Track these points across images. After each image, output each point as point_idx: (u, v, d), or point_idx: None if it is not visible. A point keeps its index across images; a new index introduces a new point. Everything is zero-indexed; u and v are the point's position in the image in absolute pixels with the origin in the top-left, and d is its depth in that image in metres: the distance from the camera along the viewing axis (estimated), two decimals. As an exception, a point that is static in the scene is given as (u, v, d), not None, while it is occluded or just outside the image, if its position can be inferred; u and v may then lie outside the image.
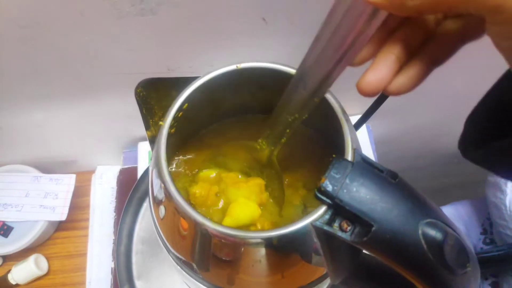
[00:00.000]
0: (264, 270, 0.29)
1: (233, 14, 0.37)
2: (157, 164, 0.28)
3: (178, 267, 0.35)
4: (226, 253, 0.28)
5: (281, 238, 0.25)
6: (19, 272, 0.57)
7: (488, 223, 0.74)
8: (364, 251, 0.25)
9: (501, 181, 0.65)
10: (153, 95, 0.34)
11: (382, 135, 0.62)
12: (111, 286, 0.54)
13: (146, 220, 0.53)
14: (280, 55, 0.31)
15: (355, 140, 0.27)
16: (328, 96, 0.29)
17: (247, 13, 0.37)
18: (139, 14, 0.36)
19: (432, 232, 0.23)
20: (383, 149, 0.62)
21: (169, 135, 0.29)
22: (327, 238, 0.26)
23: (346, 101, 0.31)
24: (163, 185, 0.27)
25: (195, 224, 0.26)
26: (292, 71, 0.30)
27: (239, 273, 0.29)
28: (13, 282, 0.57)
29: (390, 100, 0.36)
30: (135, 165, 0.58)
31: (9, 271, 0.57)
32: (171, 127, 0.30)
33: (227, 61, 0.31)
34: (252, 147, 0.35)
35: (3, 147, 0.58)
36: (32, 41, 0.39)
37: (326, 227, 0.25)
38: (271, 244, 0.26)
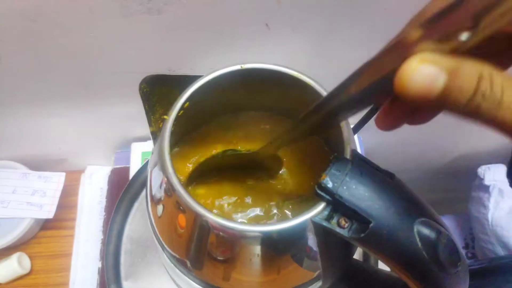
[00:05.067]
0: (261, 266, 0.29)
1: (238, 18, 0.39)
2: (161, 157, 0.28)
3: (172, 265, 0.36)
4: (224, 248, 0.28)
5: (281, 232, 0.26)
6: (1, 271, 0.56)
7: (470, 237, 0.75)
8: (360, 248, 0.26)
9: (484, 196, 0.67)
10: (156, 92, 0.34)
11: (373, 147, 0.63)
12: (97, 286, 0.53)
13: (136, 221, 0.52)
14: (280, 60, 0.32)
15: (353, 141, 0.28)
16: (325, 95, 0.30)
17: (252, 18, 0.39)
18: (146, 13, 0.37)
19: (427, 231, 0.24)
20: (373, 160, 0.63)
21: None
22: (324, 235, 0.26)
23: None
24: (165, 178, 0.28)
25: (196, 216, 0.26)
26: (294, 73, 0.31)
27: (235, 269, 0.30)
28: (-6, 281, 0.56)
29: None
30: (127, 166, 0.58)
31: (-10, 269, 0.56)
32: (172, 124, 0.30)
33: (228, 64, 0.32)
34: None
35: (-6, 141, 0.58)
36: (38, 35, 0.39)
37: (325, 223, 0.25)
38: (270, 238, 0.26)
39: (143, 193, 0.54)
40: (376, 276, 0.40)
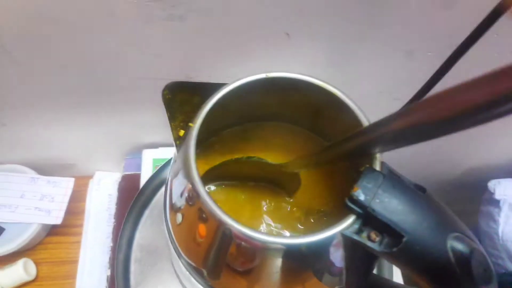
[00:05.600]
0: (285, 280, 0.28)
1: (259, 27, 0.38)
2: (186, 164, 0.27)
3: (188, 273, 0.35)
4: (249, 259, 0.27)
5: (310, 245, 0.25)
6: (6, 276, 0.55)
7: (479, 252, 0.75)
8: (389, 262, 0.26)
9: (494, 210, 0.66)
10: (177, 98, 0.34)
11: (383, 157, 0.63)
12: (105, 295, 0.52)
13: (146, 228, 0.52)
14: (298, 69, 0.32)
15: (382, 153, 0.28)
16: (353, 107, 0.30)
17: (272, 27, 0.38)
18: (168, 19, 0.36)
19: (460, 246, 0.24)
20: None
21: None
22: (352, 249, 0.26)
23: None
24: (190, 185, 0.27)
25: (219, 225, 0.26)
26: (320, 83, 0.31)
27: (258, 281, 0.29)
28: (-2, 287, 0.55)
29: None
30: (137, 172, 0.58)
31: (-6, 274, 0.55)
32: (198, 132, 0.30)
33: (246, 73, 0.32)
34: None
35: (3, 145, 0.57)
36: (56, 38, 0.39)
37: (355, 237, 0.25)
38: (298, 251, 0.26)
39: (154, 200, 0.53)
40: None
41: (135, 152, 0.61)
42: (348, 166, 0.38)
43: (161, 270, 0.49)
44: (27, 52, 0.41)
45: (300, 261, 0.27)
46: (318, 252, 0.26)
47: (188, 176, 0.27)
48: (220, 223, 0.26)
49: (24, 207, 0.57)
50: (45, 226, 0.58)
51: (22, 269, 0.55)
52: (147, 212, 0.52)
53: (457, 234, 0.24)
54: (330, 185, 0.38)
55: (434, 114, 0.19)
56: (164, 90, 0.32)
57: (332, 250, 0.27)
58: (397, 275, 0.48)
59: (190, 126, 0.29)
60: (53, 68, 0.44)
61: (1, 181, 0.58)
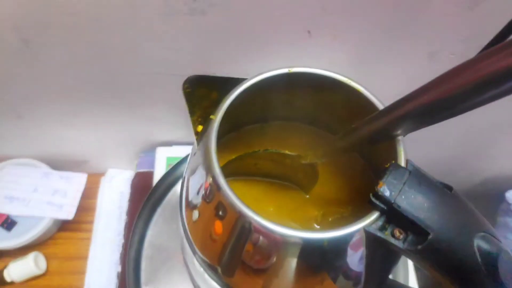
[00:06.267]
0: (298, 279, 0.28)
1: (281, 23, 0.38)
2: (206, 157, 0.27)
3: (201, 270, 0.34)
4: (265, 255, 0.27)
5: (332, 241, 0.24)
6: (16, 269, 0.55)
7: (493, 263, 0.73)
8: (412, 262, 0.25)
9: (511, 221, 0.65)
10: (196, 93, 0.34)
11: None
12: (115, 291, 0.52)
13: (158, 227, 0.51)
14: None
15: (407, 150, 0.27)
16: (377, 103, 0.30)
17: (294, 23, 0.38)
18: (189, 13, 0.36)
19: (487, 246, 0.23)
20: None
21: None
22: (374, 246, 0.25)
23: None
24: (211, 178, 0.27)
25: (240, 217, 0.25)
26: (344, 79, 0.31)
27: (277, 277, 0.29)
28: (9, 279, 0.54)
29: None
30: (151, 170, 0.58)
31: (5, 266, 0.55)
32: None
33: (264, 69, 0.31)
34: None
35: (18, 138, 0.57)
36: (76, 30, 0.39)
37: (379, 233, 0.24)
38: (319, 247, 0.25)
39: (167, 198, 0.53)
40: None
41: (149, 150, 0.61)
42: (366, 167, 0.38)
43: (172, 268, 0.49)
44: (46, 46, 0.41)
45: (319, 259, 0.27)
46: (339, 249, 0.26)
47: (208, 168, 0.27)
48: (240, 216, 0.26)
49: (37, 201, 0.57)
50: (56, 221, 0.58)
51: (33, 263, 0.55)
52: (159, 210, 0.52)
53: (484, 233, 0.23)
54: (348, 187, 0.38)
55: (456, 85, 0.20)
56: (184, 83, 0.32)
57: (351, 250, 0.26)
58: (412, 280, 0.47)
59: (211, 119, 0.29)
60: (71, 62, 0.44)
61: (15, 175, 0.59)
